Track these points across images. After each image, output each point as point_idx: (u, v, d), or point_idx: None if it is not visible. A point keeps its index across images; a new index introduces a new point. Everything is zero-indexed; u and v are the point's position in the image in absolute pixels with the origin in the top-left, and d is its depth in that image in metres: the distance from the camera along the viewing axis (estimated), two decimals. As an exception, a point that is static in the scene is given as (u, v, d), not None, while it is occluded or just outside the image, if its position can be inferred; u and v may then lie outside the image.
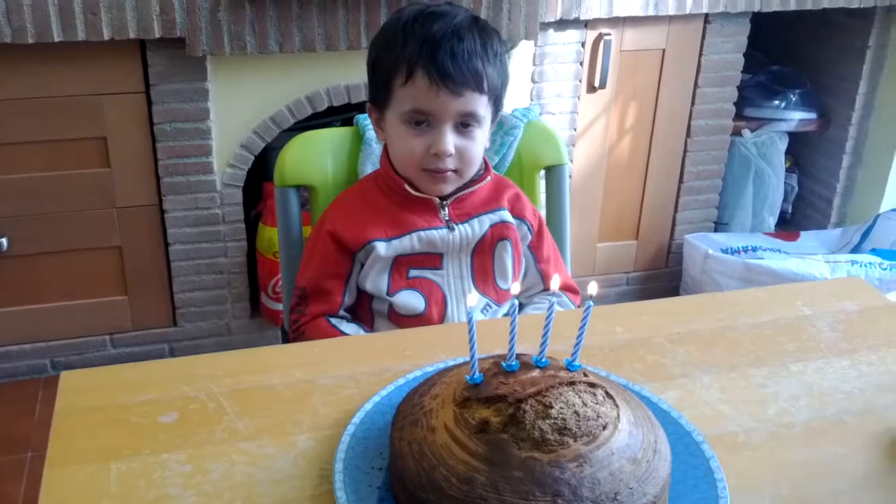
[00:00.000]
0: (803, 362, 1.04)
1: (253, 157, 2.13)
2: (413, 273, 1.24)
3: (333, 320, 1.26)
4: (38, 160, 2.00)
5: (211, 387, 0.95)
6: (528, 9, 2.09)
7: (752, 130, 2.59)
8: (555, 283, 0.81)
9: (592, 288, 0.78)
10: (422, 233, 1.24)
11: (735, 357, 1.04)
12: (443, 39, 1.16)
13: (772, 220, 2.71)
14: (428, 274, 1.25)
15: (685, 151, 2.50)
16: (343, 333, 1.23)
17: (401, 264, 1.24)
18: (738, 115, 2.53)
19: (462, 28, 1.18)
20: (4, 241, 2.04)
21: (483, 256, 1.27)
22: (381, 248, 1.22)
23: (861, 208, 2.67)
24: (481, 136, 1.23)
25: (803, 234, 2.65)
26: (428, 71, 1.16)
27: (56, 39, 1.85)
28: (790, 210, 2.84)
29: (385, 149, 1.27)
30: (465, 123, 1.20)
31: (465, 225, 1.26)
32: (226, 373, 0.97)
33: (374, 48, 1.24)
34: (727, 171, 2.59)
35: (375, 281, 1.24)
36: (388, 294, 1.24)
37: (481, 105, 1.20)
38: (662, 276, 2.67)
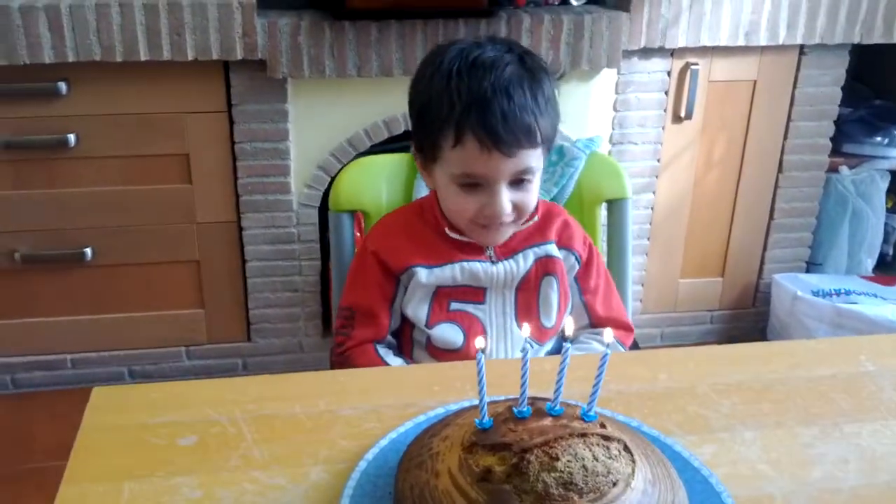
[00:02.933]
0: (859, 423, 0.96)
1: (329, 179, 2.15)
2: (454, 306, 1.22)
3: (381, 350, 1.23)
4: (123, 174, 2.08)
5: (234, 411, 0.95)
6: (611, 37, 2.04)
7: (851, 167, 2.46)
8: (608, 336, 0.76)
9: (608, 335, 0.74)
10: (465, 263, 1.21)
11: (783, 413, 0.97)
12: (493, 99, 1.09)
13: (870, 263, 2.57)
14: (469, 308, 1.22)
15: (776, 187, 2.40)
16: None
17: (442, 296, 1.21)
18: (836, 151, 2.42)
19: (512, 81, 1.10)
20: (89, 251, 2.11)
21: (528, 294, 1.23)
22: (423, 274, 1.20)
23: (968, 253, 2.51)
24: (537, 182, 1.18)
25: (903, 278, 2.50)
26: (478, 136, 1.10)
27: (143, 58, 1.92)
28: (891, 252, 2.68)
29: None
30: (520, 179, 1.15)
31: (510, 260, 1.22)
32: (250, 398, 0.97)
33: (417, 97, 1.18)
34: (822, 210, 2.47)
35: (416, 309, 1.21)
36: (426, 326, 1.21)
37: (535, 157, 1.15)
38: (749, 316, 2.56)
